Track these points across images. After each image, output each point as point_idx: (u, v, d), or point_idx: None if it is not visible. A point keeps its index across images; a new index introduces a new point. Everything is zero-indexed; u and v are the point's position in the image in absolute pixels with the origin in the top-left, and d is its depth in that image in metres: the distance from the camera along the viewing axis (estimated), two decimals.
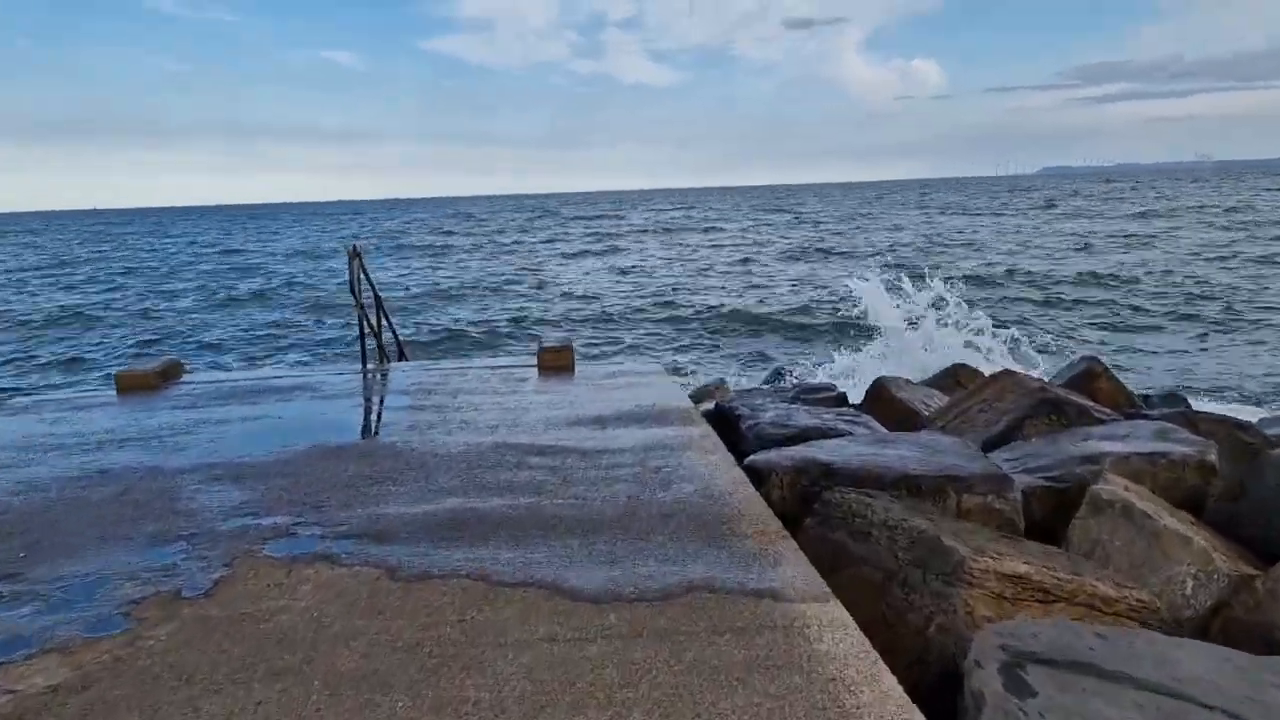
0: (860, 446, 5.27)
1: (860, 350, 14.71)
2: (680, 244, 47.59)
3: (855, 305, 20.50)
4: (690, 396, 9.85)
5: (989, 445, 6.04)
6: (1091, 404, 6.23)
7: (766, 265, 33.68)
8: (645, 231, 56.52)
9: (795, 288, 27.08)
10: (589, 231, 60.05)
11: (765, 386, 9.76)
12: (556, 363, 8.56)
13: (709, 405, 7.73)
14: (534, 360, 8.73)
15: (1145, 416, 6.55)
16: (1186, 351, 15.58)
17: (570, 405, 6.77)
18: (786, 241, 45.51)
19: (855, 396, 12.59)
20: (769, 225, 58.82)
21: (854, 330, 18.72)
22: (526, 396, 7.16)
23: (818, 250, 38.98)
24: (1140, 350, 15.92)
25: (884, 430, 6.01)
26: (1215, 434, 6.20)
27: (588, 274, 33.66)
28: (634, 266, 35.15)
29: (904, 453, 5.10)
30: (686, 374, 14.18)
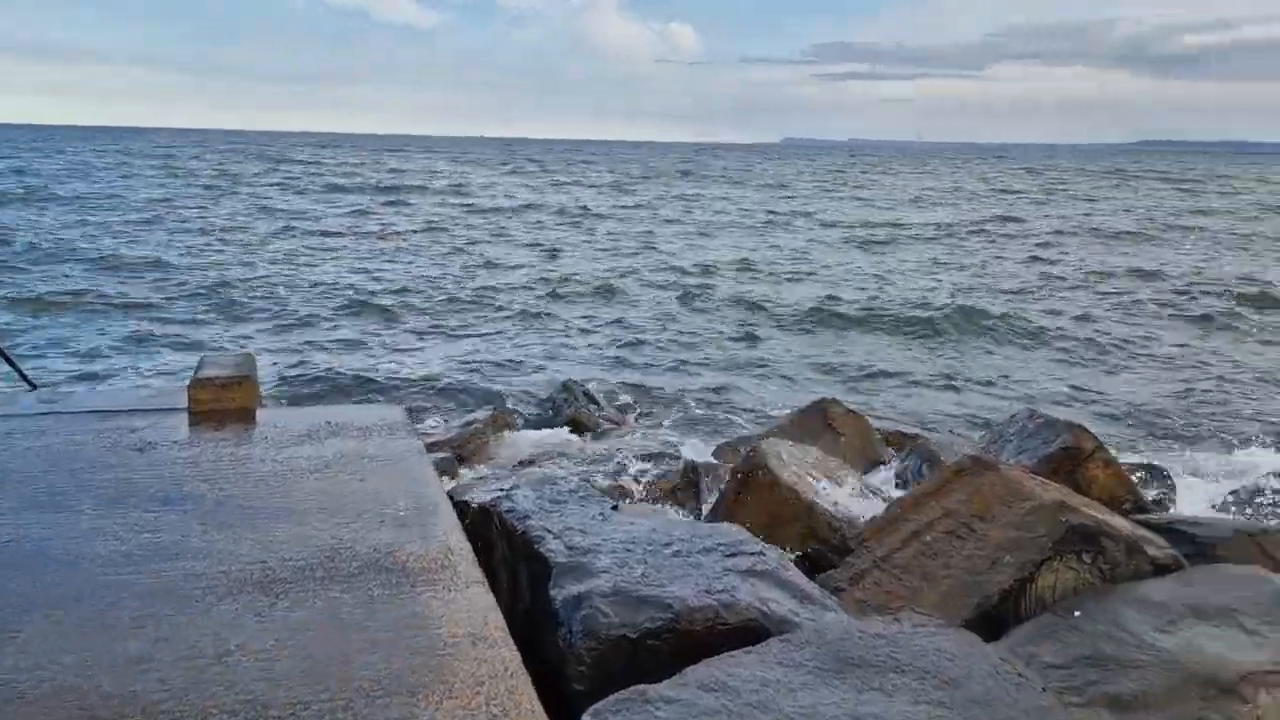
0: (814, 685, 2.68)
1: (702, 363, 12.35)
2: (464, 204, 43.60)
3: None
4: (445, 459, 6.95)
5: (988, 619, 3.66)
6: (1129, 528, 4.02)
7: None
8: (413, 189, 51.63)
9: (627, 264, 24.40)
10: (346, 183, 54.24)
11: (572, 441, 7.13)
12: (222, 404, 5.41)
13: (484, 495, 4.90)
14: (185, 397, 5.48)
15: (1177, 531, 4.45)
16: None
17: (219, 521, 3.73)
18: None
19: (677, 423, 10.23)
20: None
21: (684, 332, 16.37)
22: (134, 491, 4.02)
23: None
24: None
25: (814, 594, 3.47)
26: None
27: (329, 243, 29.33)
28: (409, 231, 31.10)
29: (908, 709, 2.56)
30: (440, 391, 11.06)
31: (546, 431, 8.15)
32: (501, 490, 4.49)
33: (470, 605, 3.11)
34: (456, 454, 7.06)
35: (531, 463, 6.14)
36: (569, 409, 8.49)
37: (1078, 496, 4.26)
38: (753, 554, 3.67)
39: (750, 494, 5.12)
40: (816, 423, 7.51)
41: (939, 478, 4.43)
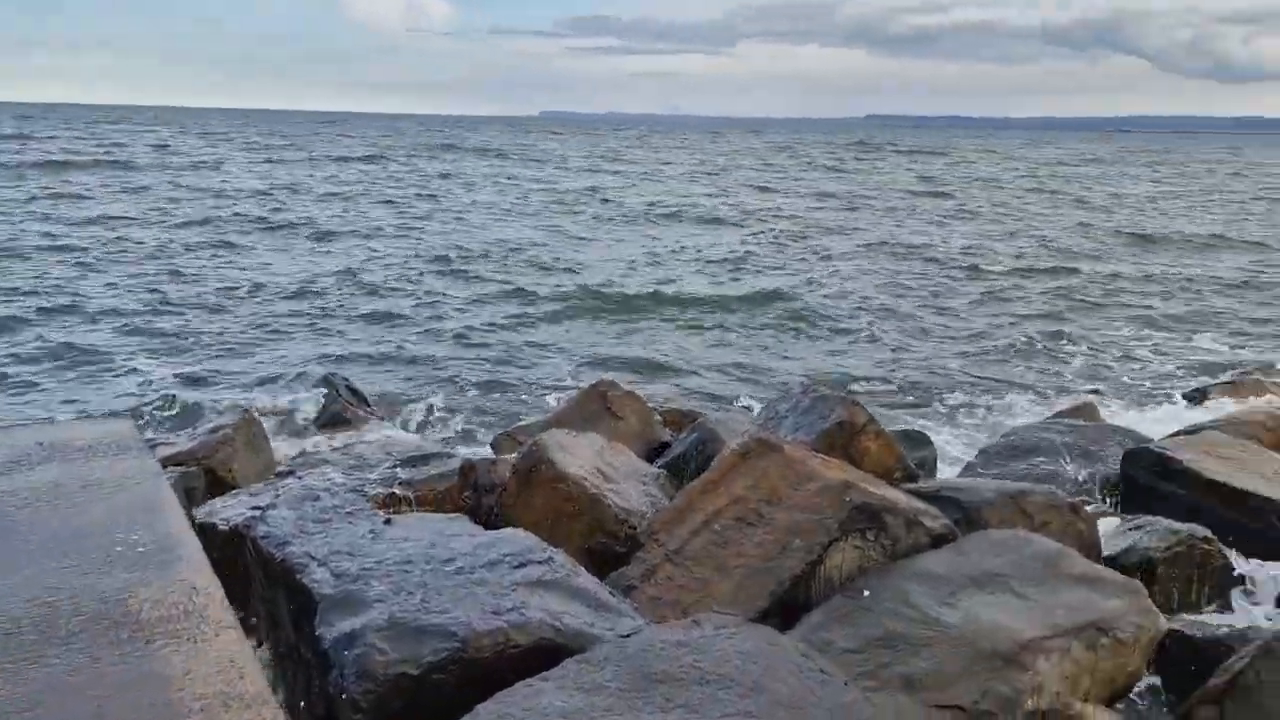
0: (618, 710, 2.52)
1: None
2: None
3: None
4: (189, 473, 6.26)
5: (783, 605, 3.66)
6: (906, 502, 4.15)
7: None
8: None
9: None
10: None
11: (325, 444, 6.59)
12: None
13: (235, 516, 4.41)
14: None
15: (946, 499, 4.67)
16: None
17: None
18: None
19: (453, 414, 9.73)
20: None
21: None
22: None
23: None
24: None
25: (608, 601, 3.33)
26: (1066, 531, 4.50)
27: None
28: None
29: None
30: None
31: (306, 435, 7.58)
32: (255, 510, 4.05)
33: (221, 657, 2.73)
34: (202, 467, 6.40)
35: (290, 473, 5.62)
36: (332, 407, 7.92)
37: (859, 472, 4.37)
38: (541, 562, 3.48)
39: (532, 491, 4.92)
40: (595, 406, 7.41)
41: (725, 462, 4.41)
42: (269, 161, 52.39)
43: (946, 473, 6.74)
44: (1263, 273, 21.65)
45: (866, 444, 5.13)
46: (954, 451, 7.75)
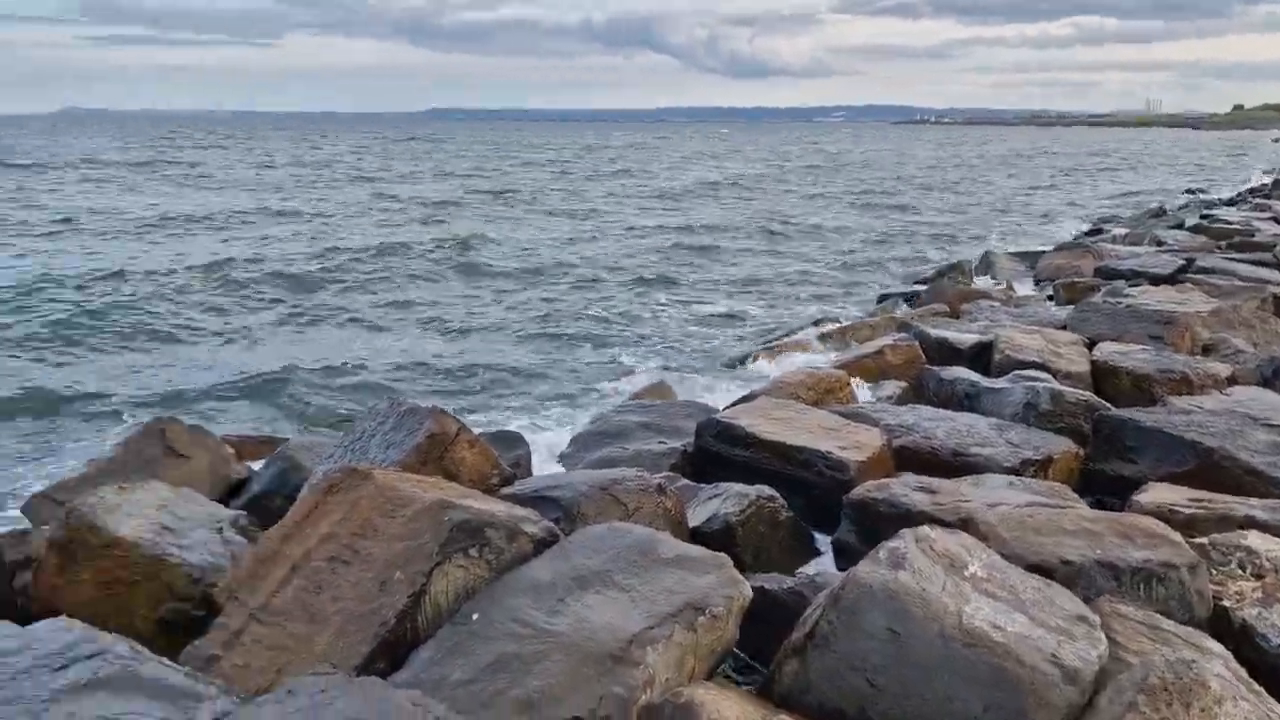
0: None
1: None
2: None
3: None
4: None
5: (391, 647, 3.42)
6: (506, 510, 4.09)
7: None
8: None
9: None
10: None
11: None
12: None
13: None
14: None
15: (543, 499, 4.70)
16: None
17: None
18: None
19: None
20: None
21: None
22: None
23: None
24: None
25: (182, 685, 2.86)
26: (656, 512, 4.68)
27: None
28: None
29: None
30: None
31: None
32: None
33: None
34: None
35: None
36: None
37: (456, 487, 4.23)
38: (91, 655, 2.93)
39: (78, 565, 4.18)
40: (154, 450, 6.54)
41: (311, 499, 4.05)
42: None
43: (542, 469, 6.83)
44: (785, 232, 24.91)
45: (461, 453, 5.01)
46: (546, 446, 7.88)
